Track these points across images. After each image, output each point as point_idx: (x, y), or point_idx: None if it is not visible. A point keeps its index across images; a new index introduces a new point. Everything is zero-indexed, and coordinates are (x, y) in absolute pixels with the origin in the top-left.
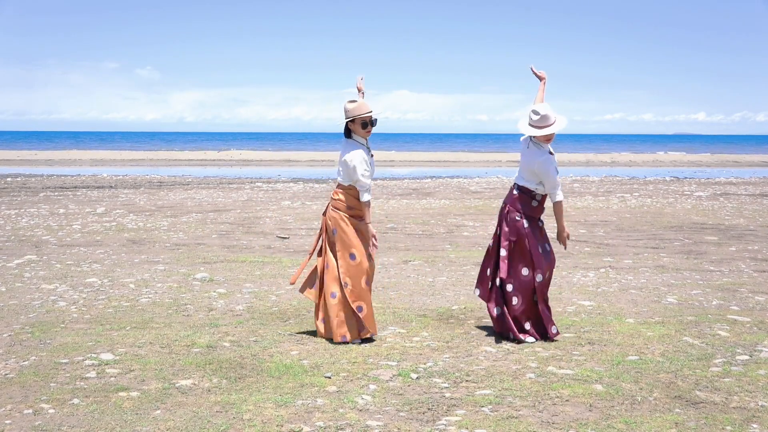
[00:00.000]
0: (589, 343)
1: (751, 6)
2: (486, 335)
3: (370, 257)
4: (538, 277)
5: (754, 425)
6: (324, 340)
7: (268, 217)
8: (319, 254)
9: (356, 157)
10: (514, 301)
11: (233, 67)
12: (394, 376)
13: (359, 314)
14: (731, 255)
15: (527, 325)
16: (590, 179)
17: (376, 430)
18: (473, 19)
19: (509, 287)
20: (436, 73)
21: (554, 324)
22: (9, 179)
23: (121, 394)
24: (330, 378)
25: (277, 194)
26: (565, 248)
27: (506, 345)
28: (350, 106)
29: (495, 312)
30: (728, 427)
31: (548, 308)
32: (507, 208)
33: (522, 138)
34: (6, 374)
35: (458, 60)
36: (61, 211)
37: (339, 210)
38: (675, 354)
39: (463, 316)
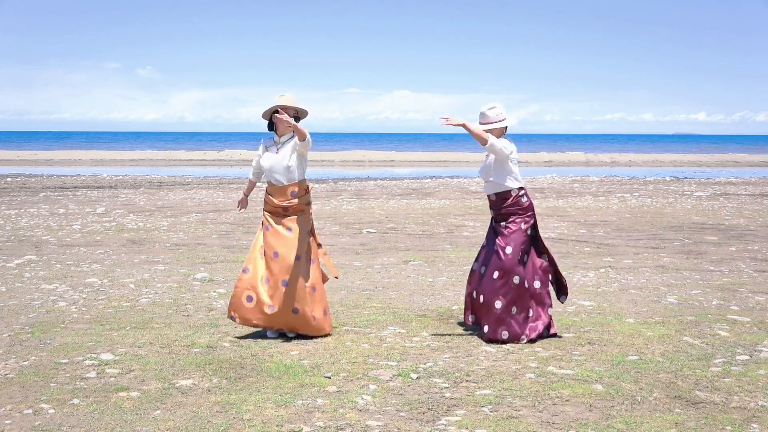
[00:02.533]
0: (589, 343)
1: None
2: None
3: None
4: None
5: (754, 425)
6: (324, 340)
7: None
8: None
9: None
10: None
11: (233, 67)
12: (394, 376)
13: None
14: (731, 255)
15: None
16: (590, 179)
17: (376, 430)
18: (473, 19)
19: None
20: (436, 73)
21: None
22: (9, 179)
23: (121, 394)
24: (330, 378)
25: None
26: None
27: (506, 345)
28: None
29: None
30: (728, 427)
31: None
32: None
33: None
34: (6, 374)
35: (458, 60)
36: (61, 211)
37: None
38: (675, 354)
39: (463, 316)
